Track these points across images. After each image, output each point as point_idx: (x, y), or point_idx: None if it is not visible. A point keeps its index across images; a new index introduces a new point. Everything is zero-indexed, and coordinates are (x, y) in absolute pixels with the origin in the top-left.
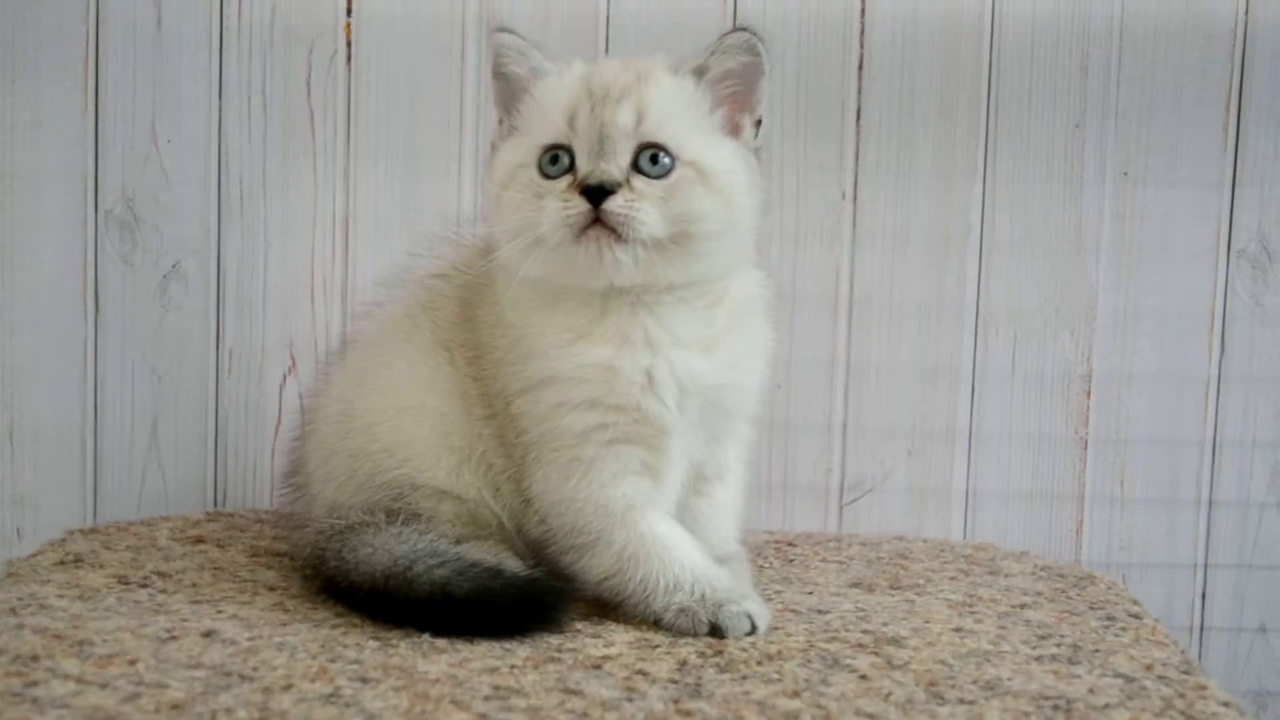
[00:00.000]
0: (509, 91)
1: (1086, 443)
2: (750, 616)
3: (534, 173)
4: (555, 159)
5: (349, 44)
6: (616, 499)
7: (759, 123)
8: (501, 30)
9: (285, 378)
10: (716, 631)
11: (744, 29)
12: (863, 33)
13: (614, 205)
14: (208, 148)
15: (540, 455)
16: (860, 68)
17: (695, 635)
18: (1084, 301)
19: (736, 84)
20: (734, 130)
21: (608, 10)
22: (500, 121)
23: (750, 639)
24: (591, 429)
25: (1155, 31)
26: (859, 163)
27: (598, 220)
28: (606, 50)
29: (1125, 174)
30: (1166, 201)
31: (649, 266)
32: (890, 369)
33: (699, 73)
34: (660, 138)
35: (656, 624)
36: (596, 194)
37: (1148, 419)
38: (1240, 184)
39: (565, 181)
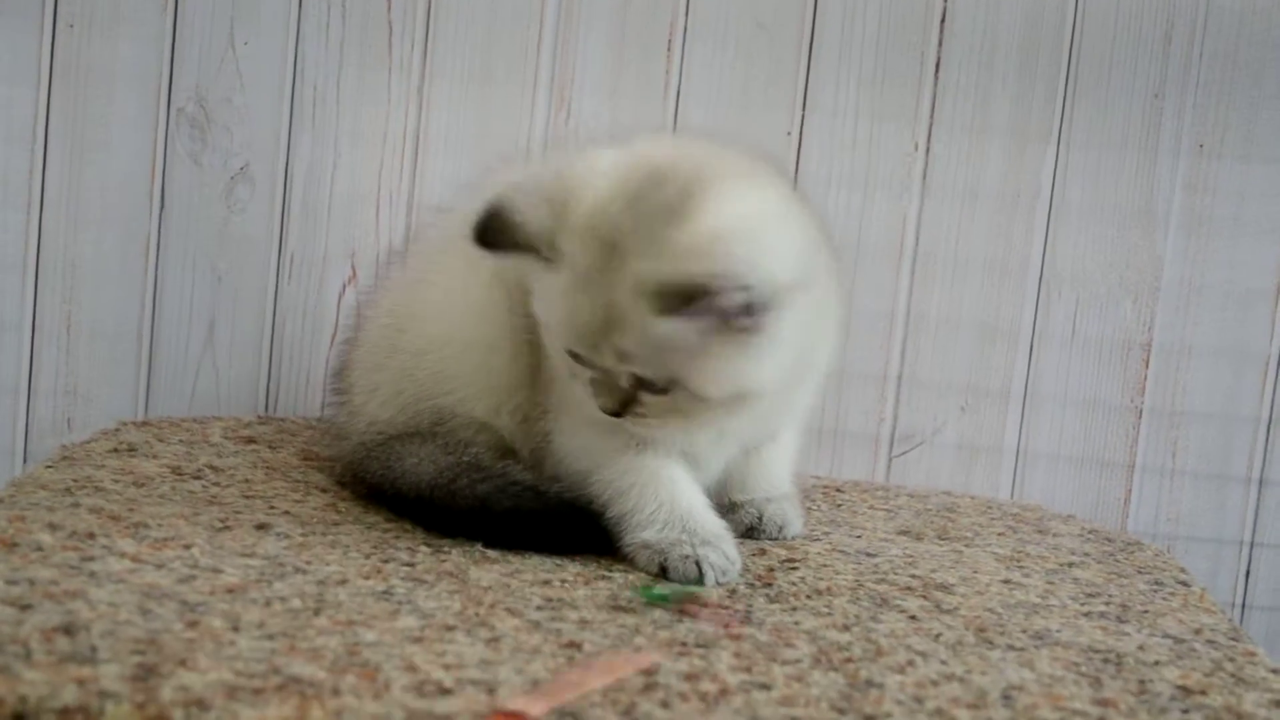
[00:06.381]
0: None
1: (1141, 412)
2: (699, 563)
3: None
4: None
5: None
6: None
7: None
8: None
9: (345, 287)
10: (665, 572)
11: None
12: None
13: None
14: (284, 53)
15: (563, 394)
16: (943, 20)
17: (649, 574)
18: (1149, 270)
19: None
20: None
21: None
22: None
23: (799, 576)
24: None
25: (1242, 6)
26: (934, 115)
27: None
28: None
29: (1201, 146)
30: (1240, 177)
31: None
32: (949, 324)
33: None
34: None
35: (631, 563)
36: None
37: (1205, 393)
38: None
39: None
